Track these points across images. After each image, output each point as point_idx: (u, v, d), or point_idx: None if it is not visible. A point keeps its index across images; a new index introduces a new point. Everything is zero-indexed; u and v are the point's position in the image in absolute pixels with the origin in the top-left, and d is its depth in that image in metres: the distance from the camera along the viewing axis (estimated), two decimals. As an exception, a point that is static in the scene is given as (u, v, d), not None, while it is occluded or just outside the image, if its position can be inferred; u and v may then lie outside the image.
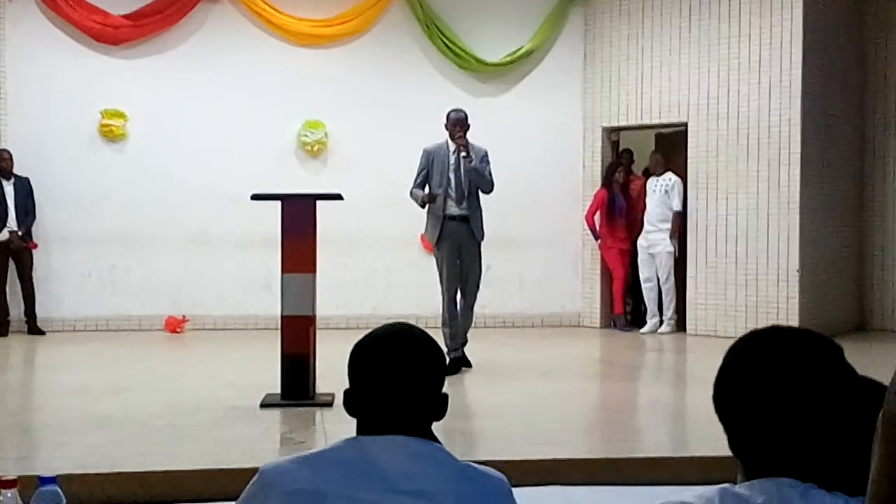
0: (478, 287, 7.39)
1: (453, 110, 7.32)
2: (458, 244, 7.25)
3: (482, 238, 7.34)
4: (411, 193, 7.30)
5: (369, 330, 1.81)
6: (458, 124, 7.20)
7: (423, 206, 7.27)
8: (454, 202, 7.23)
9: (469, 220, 7.25)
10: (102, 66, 9.71)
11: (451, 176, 7.23)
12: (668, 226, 9.65)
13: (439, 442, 1.90)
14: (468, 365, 7.28)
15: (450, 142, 7.25)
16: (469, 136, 7.19)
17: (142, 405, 5.91)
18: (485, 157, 7.28)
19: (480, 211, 7.34)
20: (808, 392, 1.37)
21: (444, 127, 7.24)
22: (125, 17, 9.68)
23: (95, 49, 9.71)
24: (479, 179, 7.21)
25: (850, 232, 9.97)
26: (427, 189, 7.28)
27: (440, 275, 7.31)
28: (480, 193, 7.32)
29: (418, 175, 7.30)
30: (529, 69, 10.37)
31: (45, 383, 7.54)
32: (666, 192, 9.69)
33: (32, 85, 9.58)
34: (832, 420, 1.37)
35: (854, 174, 10.00)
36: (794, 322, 8.69)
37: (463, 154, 7.15)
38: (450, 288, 7.28)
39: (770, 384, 1.38)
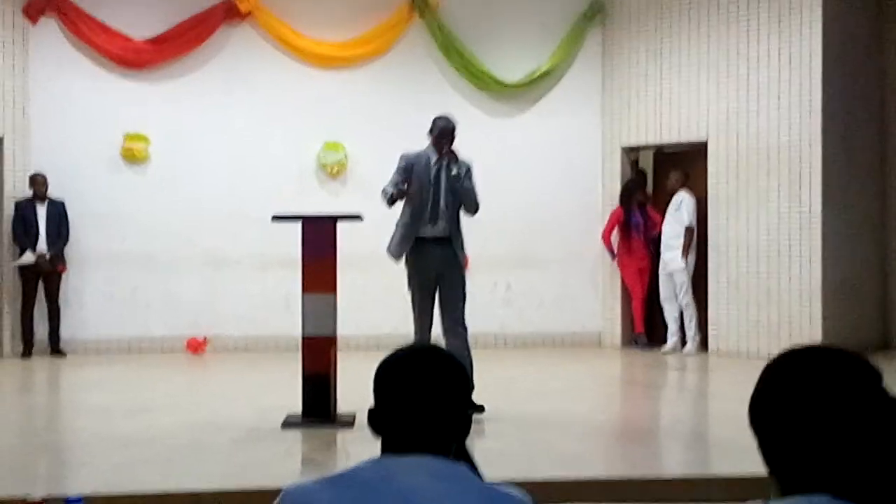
0: (462, 316, 6.23)
1: (441, 118, 6.30)
2: (436, 271, 6.18)
3: (464, 260, 6.34)
4: (384, 190, 6.15)
5: (390, 350, 1.82)
6: (445, 136, 6.17)
7: (391, 203, 6.13)
8: (434, 222, 6.19)
9: (451, 243, 6.22)
10: (124, 89, 9.81)
11: (438, 191, 6.19)
12: (681, 242, 9.63)
13: (472, 459, 1.90)
14: (480, 409, 5.97)
15: (431, 153, 6.23)
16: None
17: (164, 426, 5.94)
18: (468, 173, 6.27)
19: (461, 231, 6.35)
20: (847, 411, 1.37)
21: (428, 134, 6.27)
22: (147, 41, 9.79)
23: (117, 73, 9.82)
24: (466, 199, 6.21)
25: (873, 249, 9.90)
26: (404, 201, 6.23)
27: (413, 306, 6.24)
28: (462, 213, 6.33)
29: (397, 177, 6.19)
30: (548, 89, 10.39)
31: (69, 404, 7.59)
32: (677, 209, 9.68)
33: (55, 108, 9.69)
34: (870, 439, 1.37)
35: (876, 191, 9.94)
36: (816, 341, 8.63)
37: (454, 173, 6.14)
38: (422, 324, 6.20)
39: (810, 402, 1.38)
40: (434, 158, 6.19)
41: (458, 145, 6.28)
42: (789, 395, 1.40)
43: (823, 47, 8.98)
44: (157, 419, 6.19)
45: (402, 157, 6.28)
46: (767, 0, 9.28)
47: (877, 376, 1.42)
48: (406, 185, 6.17)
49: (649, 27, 10.07)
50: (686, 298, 9.65)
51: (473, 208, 6.29)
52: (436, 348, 1.82)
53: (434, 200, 6.17)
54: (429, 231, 6.18)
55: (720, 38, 9.58)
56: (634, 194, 10.02)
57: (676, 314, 9.75)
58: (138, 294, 9.79)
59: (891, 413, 1.40)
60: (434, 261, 6.17)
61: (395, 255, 6.28)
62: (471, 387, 1.83)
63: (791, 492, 1.39)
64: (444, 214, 6.19)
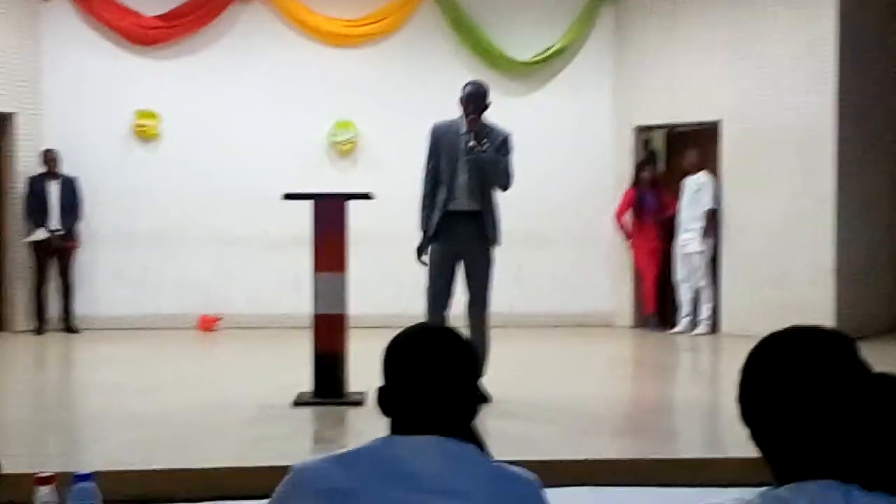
0: (486, 300, 5.88)
1: (469, 83, 5.94)
2: (459, 248, 5.86)
3: (497, 241, 5.95)
4: (422, 202, 6.00)
5: (400, 329, 1.81)
6: (471, 101, 5.77)
7: (423, 234, 5.93)
8: (463, 195, 5.83)
9: (480, 218, 5.86)
10: (136, 66, 9.80)
11: (462, 163, 5.83)
12: (700, 225, 9.55)
13: (480, 439, 1.90)
14: (485, 399, 5.42)
15: (461, 122, 5.87)
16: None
17: (175, 403, 5.96)
18: (505, 143, 5.87)
19: (495, 207, 5.94)
20: (826, 391, 1.38)
21: (458, 101, 5.90)
22: (158, 17, 9.76)
23: (129, 50, 9.80)
24: (492, 172, 5.81)
25: (887, 231, 9.83)
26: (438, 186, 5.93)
27: (427, 284, 5.96)
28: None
29: (428, 164, 5.93)
30: (560, 68, 10.32)
31: (80, 381, 7.63)
32: (698, 190, 9.60)
33: (68, 86, 9.68)
34: (854, 417, 1.38)
35: (890, 172, 9.85)
36: (829, 322, 8.60)
37: (471, 143, 5.76)
38: (435, 304, 5.87)
39: (791, 387, 1.40)
40: (464, 128, 5.83)
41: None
42: (770, 383, 1.42)
43: (838, 26, 8.88)
44: (168, 397, 6.22)
45: (430, 132, 5.98)
46: (783, -21, 9.19)
47: (853, 351, 1.43)
48: (440, 192, 5.89)
49: (663, 6, 9.97)
50: (704, 281, 9.58)
51: (501, 181, 5.84)
52: (445, 328, 1.81)
53: (468, 173, 5.81)
54: (456, 205, 5.83)
55: (734, 17, 9.48)
56: (644, 174, 9.96)
57: (691, 295, 9.70)
58: (150, 272, 9.81)
59: (871, 388, 1.41)
60: (457, 237, 5.83)
61: (424, 230, 5.97)
62: (481, 369, 1.82)
63: (787, 479, 1.40)
64: (467, 188, 5.81)
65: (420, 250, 6.00)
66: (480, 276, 5.90)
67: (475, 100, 5.78)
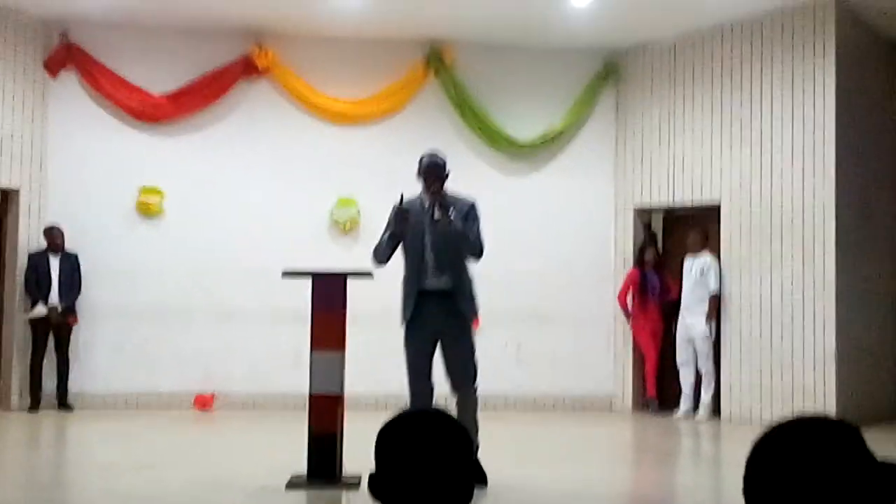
0: (471, 379, 5.67)
1: (426, 154, 5.79)
2: (434, 328, 5.64)
3: (474, 315, 5.76)
4: (374, 251, 5.78)
5: (397, 409, 1.78)
6: (430, 172, 5.65)
7: (381, 259, 5.71)
8: (433, 273, 5.64)
9: (453, 296, 5.64)
10: (141, 143, 9.89)
11: (429, 239, 5.65)
12: (705, 307, 9.49)
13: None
14: (482, 480, 5.44)
15: (424, 197, 5.72)
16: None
17: (169, 483, 5.86)
18: (471, 212, 5.69)
19: (469, 282, 5.75)
20: (833, 483, 1.36)
21: (417, 176, 5.77)
22: (165, 95, 9.89)
23: (135, 127, 9.90)
24: (461, 243, 5.62)
25: (889, 314, 9.79)
26: (402, 258, 5.74)
27: (407, 367, 5.73)
28: (469, 259, 5.75)
29: (385, 234, 5.74)
30: (561, 149, 10.42)
31: (74, 459, 7.52)
32: (702, 272, 9.55)
33: (73, 162, 9.76)
34: None
35: (892, 254, 9.86)
36: (830, 407, 8.50)
37: (436, 217, 5.55)
38: (417, 388, 5.65)
39: (795, 480, 1.37)
40: (427, 203, 5.65)
41: (456, 188, 5.83)
42: (776, 476, 1.39)
43: (837, 110, 8.97)
44: (162, 476, 6.12)
45: (392, 208, 5.71)
46: (781, 63, 9.32)
47: (859, 441, 1.40)
48: (396, 236, 5.66)
49: (663, 88, 10.11)
50: (707, 365, 9.47)
51: (472, 251, 5.64)
52: (438, 413, 1.78)
53: (435, 248, 5.62)
54: (428, 284, 5.63)
55: (733, 100, 9.60)
56: (647, 256, 9.97)
57: (692, 379, 9.59)
58: (148, 348, 9.75)
59: (879, 479, 1.37)
60: (432, 316, 5.61)
61: (403, 317, 5.76)
62: (474, 454, 1.78)
63: None
64: (438, 264, 5.61)
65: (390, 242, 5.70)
66: (462, 355, 5.68)
67: (435, 170, 5.66)
